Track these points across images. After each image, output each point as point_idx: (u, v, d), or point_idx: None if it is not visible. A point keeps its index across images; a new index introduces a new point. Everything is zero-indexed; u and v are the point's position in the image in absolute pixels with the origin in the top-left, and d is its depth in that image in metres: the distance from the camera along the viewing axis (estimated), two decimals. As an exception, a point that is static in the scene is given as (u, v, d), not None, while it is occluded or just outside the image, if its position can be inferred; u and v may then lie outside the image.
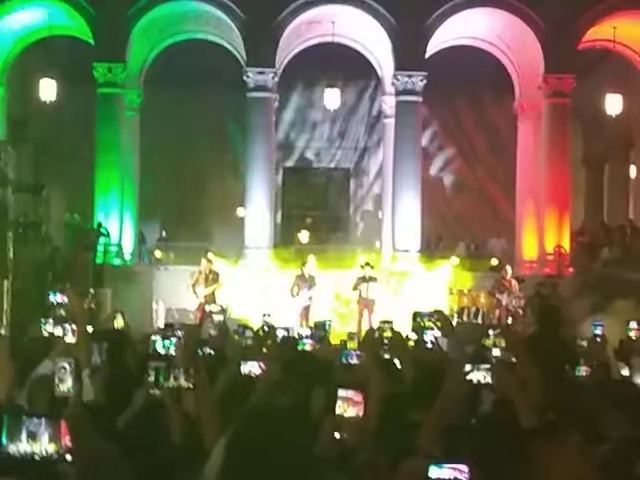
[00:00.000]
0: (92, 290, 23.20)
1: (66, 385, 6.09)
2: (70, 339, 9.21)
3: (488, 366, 6.98)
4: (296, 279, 23.78)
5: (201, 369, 6.43)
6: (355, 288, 23.99)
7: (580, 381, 9.14)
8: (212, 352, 10.10)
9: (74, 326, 9.20)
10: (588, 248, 27.47)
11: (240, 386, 7.06)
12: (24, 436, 4.54)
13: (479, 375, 7.03)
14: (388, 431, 6.53)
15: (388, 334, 12.47)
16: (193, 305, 23.76)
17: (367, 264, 24.38)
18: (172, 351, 9.00)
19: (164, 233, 29.56)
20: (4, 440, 4.51)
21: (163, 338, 9.41)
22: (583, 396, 7.28)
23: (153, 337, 12.17)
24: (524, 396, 6.16)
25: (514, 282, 24.39)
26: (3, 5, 26.59)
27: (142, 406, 6.58)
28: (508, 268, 24.76)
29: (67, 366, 6.11)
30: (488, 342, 11.65)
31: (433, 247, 27.33)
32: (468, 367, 6.94)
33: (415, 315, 22.66)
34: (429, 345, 13.44)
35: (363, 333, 20.59)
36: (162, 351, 9.08)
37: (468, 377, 6.91)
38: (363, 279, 23.95)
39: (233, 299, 24.90)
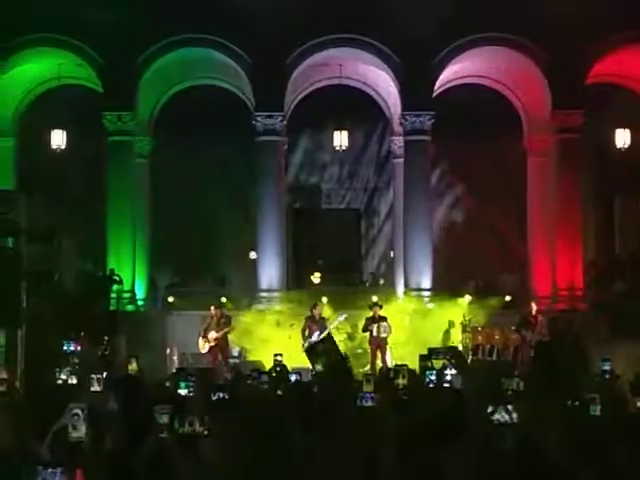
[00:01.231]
0: (106, 337, 23.23)
1: (79, 431, 6.11)
2: (95, 388, 9.29)
3: (509, 407, 6.97)
4: (306, 321, 23.80)
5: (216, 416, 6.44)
6: (365, 329, 24.06)
7: (595, 420, 9.08)
8: (226, 396, 10.09)
9: (99, 375, 9.30)
10: (600, 281, 27.40)
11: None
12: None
13: (500, 415, 7.04)
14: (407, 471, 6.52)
15: (404, 381, 12.44)
16: (205, 349, 23.78)
17: (375, 304, 24.44)
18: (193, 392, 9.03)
19: (174, 279, 29.57)
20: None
21: (185, 380, 9.42)
22: (599, 436, 7.26)
23: (168, 383, 12.20)
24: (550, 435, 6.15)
25: (540, 318, 24.31)
26: (13, 57, 26.80)
27: (155, 450, 6.58)
28: (533, 305, 24.76)
29: (80, 413, 6.14)
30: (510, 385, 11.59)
31: (467, 287, 27.13)
32: (490, 408, 6.94)
33: (430, 352, 22.77)
34: (445, 384, 13.44)
35: (377, 373, 20.59)
36: (184, 392, 9.08)
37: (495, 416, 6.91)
38: (372, 319, 24.01)
39: (246, 343, 24.93)
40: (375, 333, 23.91)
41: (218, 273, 29.52)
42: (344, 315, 24.36)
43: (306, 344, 23.21)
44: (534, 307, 24.61)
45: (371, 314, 24.20)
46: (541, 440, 6.31)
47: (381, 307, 24.48)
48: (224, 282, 29.20)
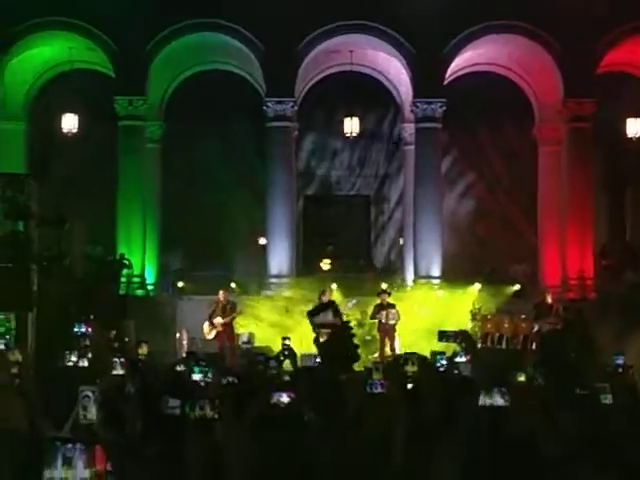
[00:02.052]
0: (115, 321, 23.29)
1: (90, 413, 6.18)
2: (118, 371, 9.40)
3: (505, 390, 7.00)
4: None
5: (226, 400, 6.46)
6: (373, 316, 24.10)
7: (606, 409, 9.08)
8: (236, 380, 10.12)
9: (122, 359, 9.41)
10: (611, 271, 27.37)
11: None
12: (59, 463, 4.58)
13: (498, 399, 7.06)
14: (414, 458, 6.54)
15: (413, 368, 12.46)
16: (211, 335, 23.83)
17: (384, 291, 24.49)
18: (209, 378, 9.06)
19: (184, 264, 29.62)
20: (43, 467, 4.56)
21: (198, 364, 9.46)
22: (610, 424, 7.26)
23: (178, 367, 12.24)
24: (546, 423, 6.15)
25: (557, 306, 24.29)
26: (24, 40, 26.81)
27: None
28: (548, 294, 24.75)
29: (90, 395, 6.21)
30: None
31: (486, 277, 27.09)
32: (483, 392, 6.96)
33: (441, 335, 22.75)
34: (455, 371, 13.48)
35: (386, 360, 20.63)
36: (198, 377, 9.13)
37: (488, 400, 6.93)
38: (381, 306, 24.07)
39: (255, 328, 24.98)
40: (384, 320, 23.96)
41: (227, 258, 29.55)
42: (353, 301, 24.42)
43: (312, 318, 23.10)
44: (549, 296, 24.59)
45: (379, 301, 24.24)
46: (539, 428, 6.33)
47: (389, 294, 24.54)
48: (233, 267, 29.26)
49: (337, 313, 22.86)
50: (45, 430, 6.81)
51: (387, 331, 23.99)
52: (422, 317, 25.44)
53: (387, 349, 23.81)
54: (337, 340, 11.29)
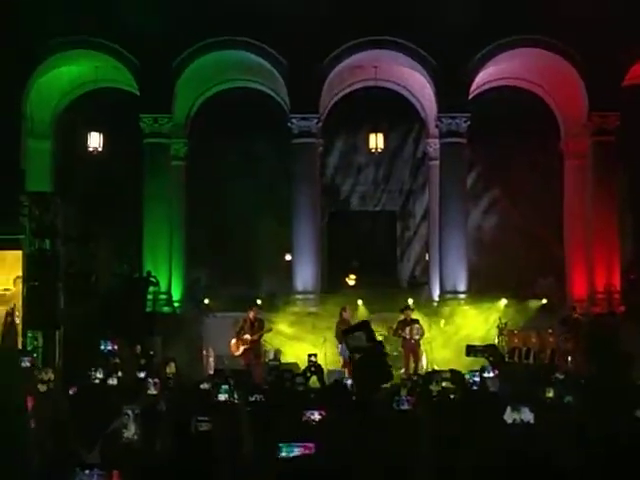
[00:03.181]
0: (142, 338, 23.34)
1: (130, 431, 6.22)
2: (152, 391, 9.45)
3: (530, 406, 6.98)
4: (337, 326, 23.70)
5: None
6: (396, 333, 23.96)
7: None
8: (263, 398, 10.11)
9: (156, 379, 9.47)
10: (638, 285, 27.20)
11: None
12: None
13: (527, 415, 7.04)
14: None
15: (437, 387, 12.42)
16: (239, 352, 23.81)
17: (407, 307, 24.42)
18: (235, 397, 9.06)
19: (207, 281, 29.69)
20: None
21: (224, 383, 9.46)
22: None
23: (204, 385, 12.24)
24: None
25: (582, 321, 24.35)
26: (51, 59, 26.99)
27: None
28: (574, 307, 24.81)
29: (130, 413, 6.24)
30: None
31: (512, 292, 27.03)
32: (509, 408, 6.95)
33: (469, 349, 22.64)
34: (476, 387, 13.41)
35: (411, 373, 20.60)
36: (224, 398, 9.13)
37: (516, 416, 6.92)
38: (404, 322, 23.97)
39: (281, 345, 24.96)
40: (408, 336, 23.87)
41: (253, 275, 29.59)
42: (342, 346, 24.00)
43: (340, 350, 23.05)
44: (575, 311, 24.55)
45: (403, 317, 24.17)
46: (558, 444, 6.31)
47: (413, 310, 24.46)
48: (259, 284, 29.30)
49: (371, 334, 22.74)
50: (81, 454, 6.80)
51: (412, 347, 23.91)
52: (449, 332, 25.36)
53: (412, 365, 23.72)
54: (370, 361, 11.26)
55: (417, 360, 23.86)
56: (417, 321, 24.14)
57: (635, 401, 8.74)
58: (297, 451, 5.43)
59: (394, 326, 24.36)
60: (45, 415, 7.82)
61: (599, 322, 24.79)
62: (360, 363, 11.81)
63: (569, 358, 23.54)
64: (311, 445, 5.39)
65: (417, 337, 23.88)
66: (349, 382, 13.80)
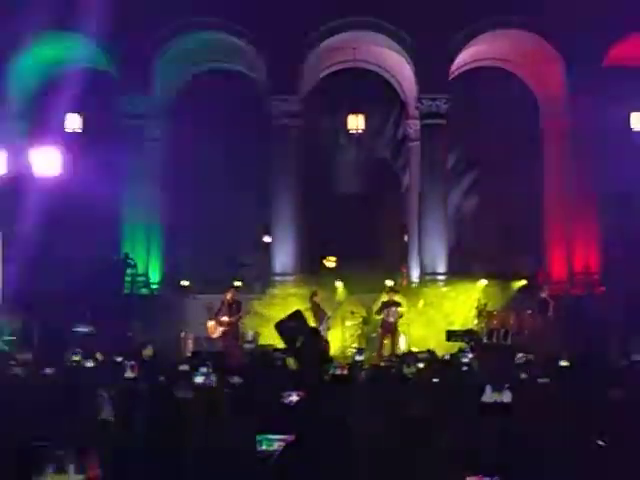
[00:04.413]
0: (120, 320, 23.26)
1: (105, 413, 6.26)
2: (129, 374, 9.43)
3: (509, 386, 7.01)
4: (310, 310, 23.76)
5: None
6: (379, 313, 24.01)
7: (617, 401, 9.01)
8: (240, 381, 10.05)
9: (133, 362, 9.44)
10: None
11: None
12: (50, 469, 4.52)
13: (502, 396, 7.07)
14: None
15: (410, 370, 12.39)
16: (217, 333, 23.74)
17: (392, 289, 24.39)
18: (212, 380, 9.01)
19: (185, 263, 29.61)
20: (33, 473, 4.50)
21: (198, 368, 9.41)
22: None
23: (182, 367, 12.18)
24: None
25: (551, 302, 24.42)
26: (31, 40, 26.78)
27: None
28: (544, 288, 24.84)
29: (105, 395, 6.31)
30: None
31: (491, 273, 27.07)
32: (489, 388, 6.97)
33: (449, 334, 22.68)
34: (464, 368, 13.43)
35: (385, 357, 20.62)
36: (201, 381, 9.07)
37: (496, 397, 6.94)
38: (387, 304, 23.96)
39: (260, 326, 24.91)
40: (386, 318, 23.91)
41: (232, 256, 29.49)
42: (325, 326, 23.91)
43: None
44: (544, 292, 24.64)
45: (387, 298, 24.15)
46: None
47: (397, 292, 24.46)
48: (241, 266, 29.21)
49: (306, 322, 22.69)
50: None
51: (387, 328, 23.95)
52: (428, 314, 25.37)
53: (388, 346, 23.74)
54: (310, 346, 11.28)
55: (395, 342, 23.89)
56: (399, 304, 24.15)
57: (609, 380, 8.78)
58: (277, 445, 5.34)
59: (374, 307, 24.38)
60: None
61: (569, 303, 24.88)
62: (300, 349, 11.81)
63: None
64: (291, 437, 5.30)
65: (392, 320, 23.92)
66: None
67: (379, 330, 24.11)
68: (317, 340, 13.41)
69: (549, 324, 23.96)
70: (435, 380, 10.32)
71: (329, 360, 12.42)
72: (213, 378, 9.78)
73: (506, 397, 7.11)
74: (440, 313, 25.23)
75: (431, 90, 27.10)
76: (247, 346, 24.12)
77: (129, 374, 9.96)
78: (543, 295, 24.58)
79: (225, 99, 28.52)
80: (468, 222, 30.84)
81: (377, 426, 7.38)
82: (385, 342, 23.91)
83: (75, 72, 28.01)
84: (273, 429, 6.18)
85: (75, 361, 13.18)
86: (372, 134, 31.32)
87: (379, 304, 24.20)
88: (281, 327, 21.29)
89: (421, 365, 12.47)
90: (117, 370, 11.78)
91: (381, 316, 24.03)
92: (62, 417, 7.38)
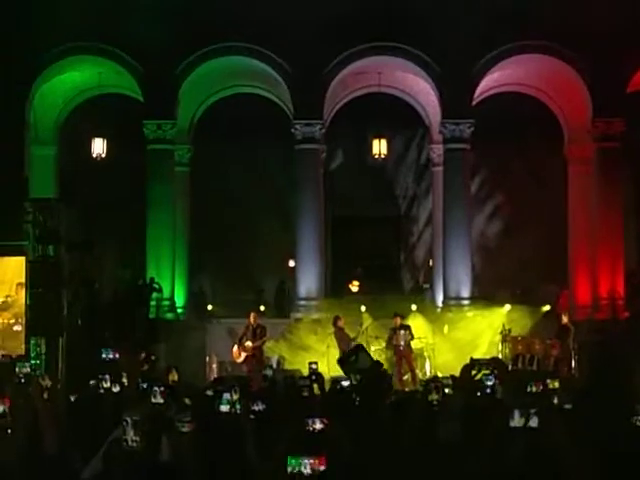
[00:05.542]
0: (145, 345, 23.31)
1: (129, 438, 6.28)
2: (158, 400, 9.44)
3: (535, 410, 7.07)
4: (335, 335, 23.90)
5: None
6: (389, 342, 24.06)
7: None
8: (264, 407, 10.04)
9: (162, 387, 9.47)
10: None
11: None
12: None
13: (533, 421, 7.12)
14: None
15: (437, 397, 12.35)
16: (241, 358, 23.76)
17: (396, 314, 24.36)
18: (237, 408, 8.99)
19: (210, 288, 29.71)
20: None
21: (224, 395, 9.37)
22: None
23: (208, 392, 12.19)
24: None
25: (571, 328, 24.27)
26: (54, 66, 26.99)
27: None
28: (564, 315, 24.67)
29: (129, 420, 6.31)
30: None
31: (516, 299, 26.99)
32: (517, 413, 7.04)
33: (473, 363, 22.61)
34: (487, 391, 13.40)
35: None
36: (226, 409, 9.05)
37: (520, 422, 7.01)
38: (393, 330, 23.96)
39: (285, 351, 24.92)
40: (395, 342, 23.88)
41: (257, 281, 29.58)
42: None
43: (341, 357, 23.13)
44: (565, 317, 24.54)
45: (392, 325, 24.19)
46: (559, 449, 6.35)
47: (402, 317, 24.43)
48: (262, 291, 29.30)
49: (369, 356, 22.72)
50: (73, 462, 6.81)
51: (401, 353, 23.91)
52: (453, 338, 25.33)
53: (407, 370, 23.72)
54: (371, 381, 11.32)
55: (412, 367, 23.84)
56: (407, 327, 24.13)
57: (633, 408, 8.74)
58: (308, 466, 5.33)
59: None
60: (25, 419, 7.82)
61: (594, 328, 24.76)
62: (361, 384, 11.84)
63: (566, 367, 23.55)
64: (322, 459, 5.29)
65: (402, 343, 23.86)
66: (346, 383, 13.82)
67: (394, 356, 24.08)
68: (380, 373, 13.53)
69: (569, 350, 23.85)
70: (463, 405, 10.31)
71: (390, 390, 12.52)
72: (237, 406, 9.77)
73: (533, 422, 7.20)
74: (465, 338, 25.16)
75: (455, 115, 27.11)
76: (268, 372, 24.07)
77: (158, 399, 9.96)
78: (564, 321, 24.46)
79: (249, 124, 28.66)
80: (492, 247, 30.81)
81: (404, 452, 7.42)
82: (404, 367, 23.87)
83: (101, 97, 28.30)
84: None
85: (105, 388, 13.22)
86: (396, 159, 31.41)
87: (388, 332, 24.24)
88: (342, 363, 21.40)
89: (447, 390, 12.44)
90: (143, 395, 11.81)
91: (389, 343, 24.01)
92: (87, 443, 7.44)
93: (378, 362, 22.23)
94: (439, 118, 27.61)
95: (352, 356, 22.54)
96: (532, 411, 7.19)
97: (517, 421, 7.19)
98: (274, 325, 25.20)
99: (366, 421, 8.70)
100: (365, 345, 24.66)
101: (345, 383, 14.26)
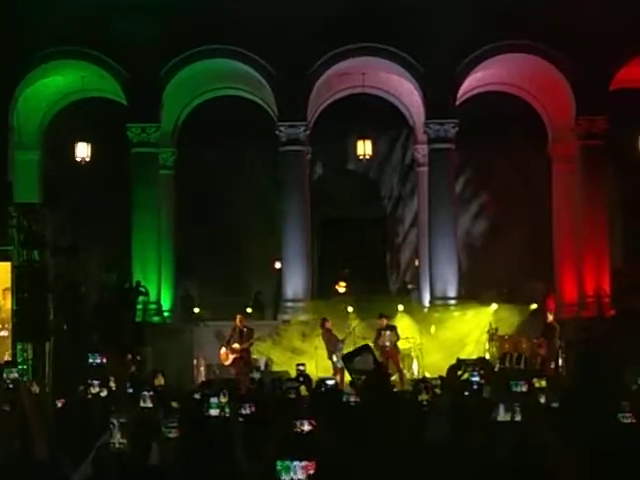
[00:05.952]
0: (132, 348, 23.28)
1: (116, 440, 6.28)
2: (147, 404, 9.44)
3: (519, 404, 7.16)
4: (323, 336, 23.91)
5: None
6: (375, 343, 24.06)
7: (627, 428, 9.00)
8: (253, 410, 10.03)
9: (151, 392, 9.46)
10: (627, 290, 27.21)
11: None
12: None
13: (517, 415, 7.22)
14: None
15: (427, 397, 12.37)
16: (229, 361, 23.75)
17: (381, 315, 24.39)
18: (226, 412, 8.98)
19: (196, 290, 29.68)
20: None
21: (212, 399, 9.35)
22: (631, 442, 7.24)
23: (196, 395, 12.18)
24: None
25: (557, 326, 24.34)
26: (38, 70, 26.92)
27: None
28: (549, 314, 24.77)
29: (116, 422, 6.33)
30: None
31: (503, 297, 27.02)
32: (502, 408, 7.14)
33: (459, 363, 22.65)
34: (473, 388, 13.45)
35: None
36: (215, 413, 9.04)
37: (505, 417, 7.11)
38: (379, 331, 23.98)
39: (271, 353, 24.91)
40: (380, 343, 23.90)
41: (243, 283, 29.55)
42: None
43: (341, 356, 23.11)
44: (550, 316, 24.62)
45: (378, 326, 24.22)
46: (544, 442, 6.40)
47: (388, 318, 24.45)
48: (249, 292, 29.27)
49: (374, 357, 22.73)
50: (63, 467, 6.80)
51: (387, 354, 23.92)
52: (440, 338, 25.36)
53: (394, 370, 23.74)
54: (375, 384, 11.34)
55: (399, 368, 23.86)
56: (393, 327, 24.15)
57: (619, 405, 8.79)
58: (300, 472, 5.26)
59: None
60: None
61: (580, 326, 24.82)
62: (365, 385, 11.85)
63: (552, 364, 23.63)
64: (312, 464, 5.24)
65: (387, 344, 23.88)
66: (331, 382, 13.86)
67: (382, 356, 24.09)
68: (381, 375, 13.54)
69: (555, 349, 23.93)
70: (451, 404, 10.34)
71: (391, 392, 12.51)
72: (227, 409, 9.75)
73: (517, 416, 7.32)
74: (452, 338, 25.20)
75: (439, 115, 27.16)
76: (255, 374, 24.06)
77: (147, 404, 9.94)
78: (549, 320, 24.54)
79: (233, 126, 28.64)
80: (478, 246, 30.86)
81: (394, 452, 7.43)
82: (392, 367, 23.87)
83: (85, 101, 28.24)
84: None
85: (92, 393, 13.20)
86: (380, 159, 31.42)
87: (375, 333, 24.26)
88: (347, 360, 21.39)
89: (437, 391, 12.47)
90: (132, 399, 11.80)
91: (376, 344, 24.03)
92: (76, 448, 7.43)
93: (381, 363, 22.30)
94: (423, 118, 27.64)
95: (357, 356, 22.53)
96: (517, 404, 7.29)
97: (503, 416, 7.28)
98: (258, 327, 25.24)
99: (359, 421, 8.69)
100: (353, 346, 24.67)
101: (330, 382, 14.30)
